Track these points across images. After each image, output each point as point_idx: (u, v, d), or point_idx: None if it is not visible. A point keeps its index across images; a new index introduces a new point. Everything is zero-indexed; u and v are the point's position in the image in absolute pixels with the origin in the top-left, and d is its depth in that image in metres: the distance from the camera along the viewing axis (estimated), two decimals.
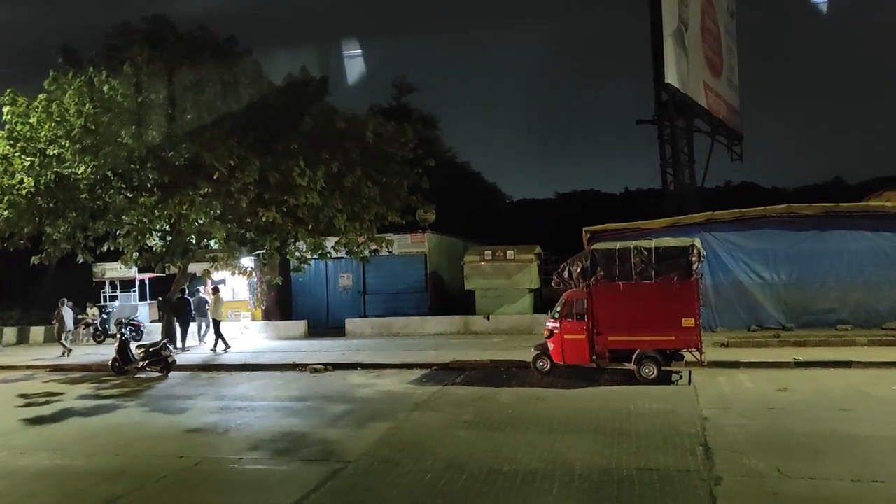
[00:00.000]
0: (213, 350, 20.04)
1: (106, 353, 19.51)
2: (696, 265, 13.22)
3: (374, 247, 20.45)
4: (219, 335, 20.25)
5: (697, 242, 13.67)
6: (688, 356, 13.59)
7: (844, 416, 10.27)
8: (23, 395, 14.86)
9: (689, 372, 13.75)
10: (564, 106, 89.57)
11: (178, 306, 21.20)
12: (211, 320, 20.75)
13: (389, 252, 21.99)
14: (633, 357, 13.36)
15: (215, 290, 20.67)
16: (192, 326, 21.88)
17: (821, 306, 18.79)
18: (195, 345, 21.83)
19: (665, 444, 9.12)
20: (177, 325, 21.22)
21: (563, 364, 14.11)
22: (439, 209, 24.24)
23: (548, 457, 8.77)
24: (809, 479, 7.69)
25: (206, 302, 21.58)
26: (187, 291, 22.24)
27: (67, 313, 21.55)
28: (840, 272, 18.76)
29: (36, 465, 9.47)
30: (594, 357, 13.78)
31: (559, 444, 9.36)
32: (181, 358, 18.37)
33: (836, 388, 12.23)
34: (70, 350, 21.05)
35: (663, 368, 13.35)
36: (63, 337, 21.23)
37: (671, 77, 28.57)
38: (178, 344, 20.90)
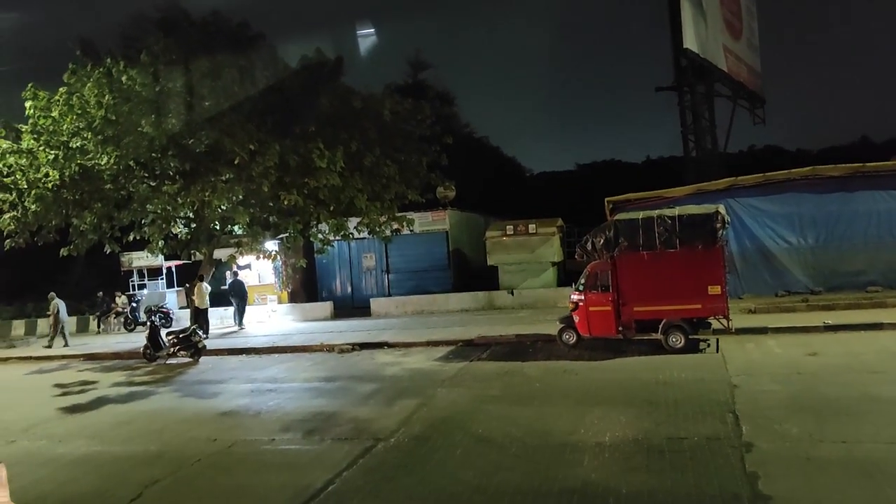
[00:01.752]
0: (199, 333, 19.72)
1: (137, 340, 19.85)
2: (720, 232, 13.09)
3: (395, 226, 20.48)
4: (201, 321, 20.46)
5: (721, 209, 13.53)
6: (715, 324, 13.53)
7: (876, 379, 10.17)
8: (59, 385, 15.18)
9: (717, 340, 13.68)
10: (583, 76, 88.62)
11: (234, 288, 22.44)
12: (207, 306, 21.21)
13: (411, 230, 22.03)
14: (660, 327, 13.30)
15: (201, 278, 20.86)
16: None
17: (849, 269, 18.53)
18: (235, 329, 22.37)
19: (695, 413, 9.11)
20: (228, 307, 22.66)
21: (589, 336, 14.10)
22: (459, 185, 24.20)
23: (577, 429, 8.79)
24: (842, 442, 7.64)
25: (242, 284, 22.77)
26: (239, 274, 23.03)
27: (61, 305, 21.88)
28: (868, 233, 18.46)
29: (75, 451, 9.69)
30: (620, 328, 13.74)
31: (588, 416, 9.38)
32: (215, 343, 18.59)
33: (868, 351, 12.10)
34: (66, 343, 21.48)
35: (690, 337, 13.29)
36: (59, 329, 21.61)
37: (689, 42, 28.08)
38: (238, 324, 22.35)
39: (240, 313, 22.67)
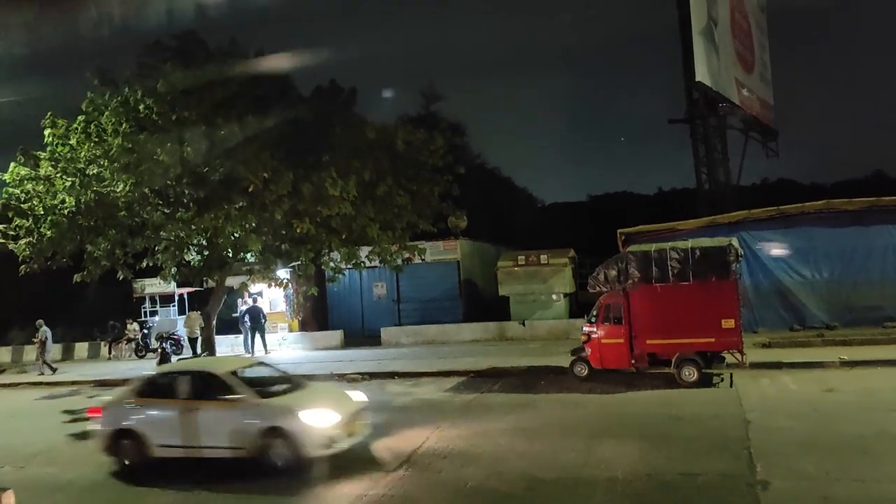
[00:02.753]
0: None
1: (147, 367, 19.83)
2: (733, 265, 13.02)
3: (406, 255, 20.48)
4: (192, 349, 20.82)
5: (734, 242, 13.48)
6: (729, 358, 13.39)
7: (894, 417, 10.00)
8: (69, 411, 15.11)
9: (731, 374, 13.52)
10: (595, 108, 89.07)
11: (252, 315, 22.74)
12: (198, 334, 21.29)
13: (422, 260, 22.00)
14: (673, 360, 13.17)
15: (192, 308, 21.03)
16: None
17: (865, 304, 18.33)
18: (252, 354, 22.55)
19: (709, 449, 8.98)
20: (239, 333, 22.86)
21: (602, 369, 13.98)
22: (471, 215, 24.22)
23: (589, 463, 8.68)
24: (860, 481, 7.51)
25: (260, 311, 23.05)
26: (257, 300, 23.29)
27: (48, 333, 22.01)
28: (885, 268, 18.29)
29: (83, 479, 9.65)
30: (633, 361, 13.62)
31: (600, 450, 9.26)
32: None
33: (885, 388, 11.93)
34: (54, 370, 21.54)
35: (704, 371, 13.15)
36: (45, 357, 21.67)
37: (702, 75, 28.18)
38: (259, 350, 22.58)
39: (262, 339, 22.89)
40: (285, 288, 21.65)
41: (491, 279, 24.21)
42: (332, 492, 8.43)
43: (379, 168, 18.48)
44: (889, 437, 8.99)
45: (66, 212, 17.44)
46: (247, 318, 22.82)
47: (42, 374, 21.31)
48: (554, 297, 22.56)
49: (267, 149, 17.25)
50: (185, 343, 23.64)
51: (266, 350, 22.83)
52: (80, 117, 17.61)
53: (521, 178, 63.92)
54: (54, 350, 24.93)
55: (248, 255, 19.37)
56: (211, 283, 21.06)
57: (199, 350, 20.76)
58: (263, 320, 23.10)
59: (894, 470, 7.76)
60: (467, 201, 21.34)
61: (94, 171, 17.22)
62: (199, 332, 21.12)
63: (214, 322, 21.02)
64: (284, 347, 23.85)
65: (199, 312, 21.35)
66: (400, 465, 9.12)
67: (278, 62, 19.37)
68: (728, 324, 12.92)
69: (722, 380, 13.34)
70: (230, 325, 23.99)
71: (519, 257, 22.99)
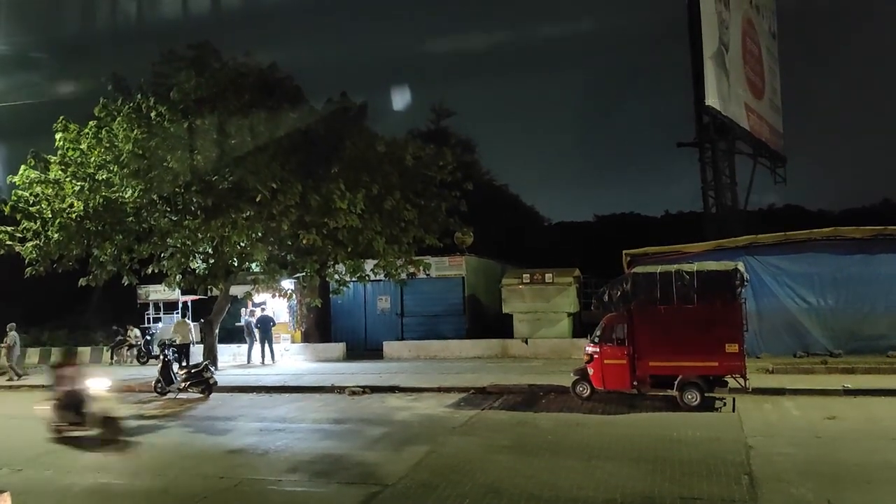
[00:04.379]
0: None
1: (149, 373, 19.84)
2: (739, 289, 12.99)
3: (412, 269, 20.52)
4: (182, 355, 20.73)
5: (741, 266, 13.44)
6: (732, 382, 13.31)
7: None
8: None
9: (734, 399, 13.44)
10: (604, 129, 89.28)
11: (263, 323, 23.02)
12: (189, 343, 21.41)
13: (427, 275, 22.05)
14: (676, 383, 13.10)
15: (183, 316, 21.13)
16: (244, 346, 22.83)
17: (870, 332, 18.23)
18: (251, 364, 22.63)
19: (709, 473, 8.92)
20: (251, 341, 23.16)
21: (604, 389, 13.93)
22: (477, 232, 24.26)
23: (588, 484, 8.63)
24: None
25: (271, 320, 23.32)
26: (266, 309, 23.57)
27: (17, 338, 21.94)
28: (890, 297, 18.19)
29: (82, 483, 9.63)
30: (635, 382, 13.56)
31: (599, 471, 9.21)
32: (227, 380, 18.55)
33: (888, 417, 11.85)
34: (21, 375, 21.41)
35: (706, 395, 13.07)
36: (14, 362, 21.59)
37: (711, 99, 28.27)
38: (268, 359, 22.86)
39: (270, 349, 23.04)
40: (289, 298, 21.73)
41: (495, 296, 24.20)
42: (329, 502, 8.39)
43: (387, 182, 18.57)
44: (891, 466, 8.93)
45: (74, 216, 17.55)
46: (257, 327, 22.96)
47: (11, 379, 21.24)
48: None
49: (277, 159, 17.36)
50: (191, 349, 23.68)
51: (273, 360, 22.86)
52: (91, 122, 17.76)
53: (529, 196, 63.86)
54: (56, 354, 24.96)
55: (254, 265, 19.45)
56: (215, 292, 21.14)
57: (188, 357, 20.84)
58: (269, 330, 23.28)
59: (894, 500, 7.69)
60: (474, 218, 21.39)
61: (104, 176, 17.36)
62: (191, 338, 21.18)
63: (217, 330, 21.06)
64: (286, 358, 23.84)
65: (185, 320, 21.62)
66: (398, 481, 9.08)
67: (291, 73, 19.54)
68: (732, 348, 12.86)
69: (724, 404, 13.27)
70: (233, 335, 24.00)
71: (524, 275, 22.98)
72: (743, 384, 13.10)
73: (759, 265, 18.92)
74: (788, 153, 37.94)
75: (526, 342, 22.18)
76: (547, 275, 22.73)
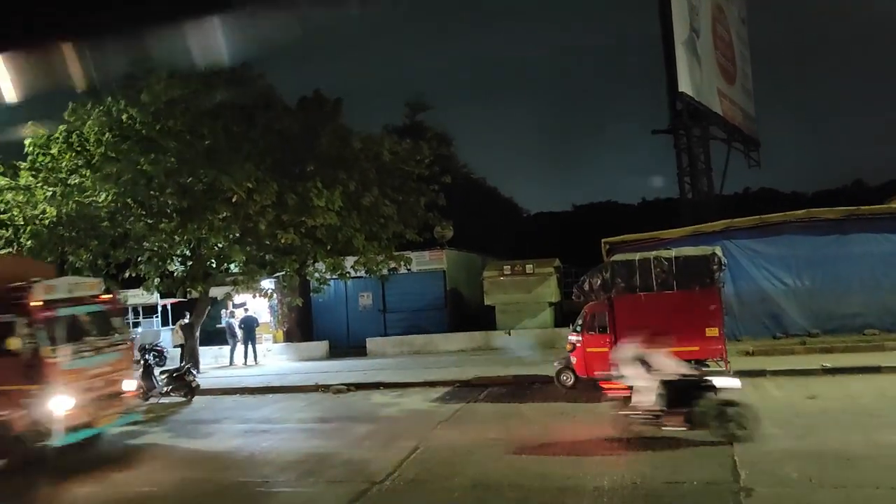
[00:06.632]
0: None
1: None
2: (717, 274, 13.12)
3: (392, 265, 20.47)
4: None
5: (718, 251, 13.57)
6: (713, 366, 13.45)
7: (875, 423, 10.10)
8: None
9: None
10: (579, 119, 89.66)
11: (247, 324, 22.79)
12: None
13: (408, 270, 21.98)
14: None
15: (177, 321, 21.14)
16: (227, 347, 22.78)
17: (846, 311, 18.50)
18: (244, 364, 22.63)
19: (694, 457, 9.02)
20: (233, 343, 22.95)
21: (587, 377, 14.01)
22: (456, 225, 24.23)
23: (575, 472, 8.68)
24: (842, 487, 7.57)
25: (255, 321, 23.12)
26: (248, 310, 23.30)
27: None
28: (864, 276, 18.48)
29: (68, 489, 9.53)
30: None
31: (585, 459, 9.28)
32: (209, 382, 18.40)
33: (866, 395, 12.04)
34: None
35: None
36: None
37: (685, 86, 28.46)
38: (251, 360, 22.69)
39: (253, 350, 22.90)
40: (270, 298, 21.57)
41: (477, 289, 24.22)
42: (316, 503, 8.36)
43: (364, 178, 18.47)
44: (870, 443, 9.07)
45: (46, 222, 17.26)
46: (240, 328, 22.75)
47: None
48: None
49: (252, 159, 17.19)
50: (168, 354, 23.47)
51: (256, 360, 22.71)
52: (61, 126, 17.47)
53: (507, 188, 63.97)
54: None
55: (233, 266, 19.27)
56: (195, 294, 20.93)
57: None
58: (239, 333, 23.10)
59: (876, 476, 7.82)
60: (453, 211, 21.37)
61: (76, 181, 17.07)
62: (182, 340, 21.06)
63: (198, 333, 20.88)
64: (269, 358, 23.69)
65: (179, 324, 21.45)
66: (386, 477, 9.07)
67: (263, 73, 19.34)
68: (712, 332, 13.01)
69: None
70: (213, 336, 23.81)
71: (504, 267, 23.03)
72: (724, 367, 13.24)
73: (737, 249, 19.11)
74: (761, 137, 38.39)
75: (509, 333, 22.23)
76: (527, 266, 22.80)
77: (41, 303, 10.92)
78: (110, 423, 11.82)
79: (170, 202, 17.57)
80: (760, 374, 14.37)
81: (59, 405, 10.62)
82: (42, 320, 10.79)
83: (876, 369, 13.94)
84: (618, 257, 14.24)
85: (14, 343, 10.69)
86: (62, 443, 10.61)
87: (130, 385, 12.44)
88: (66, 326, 11.17)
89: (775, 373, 14.38)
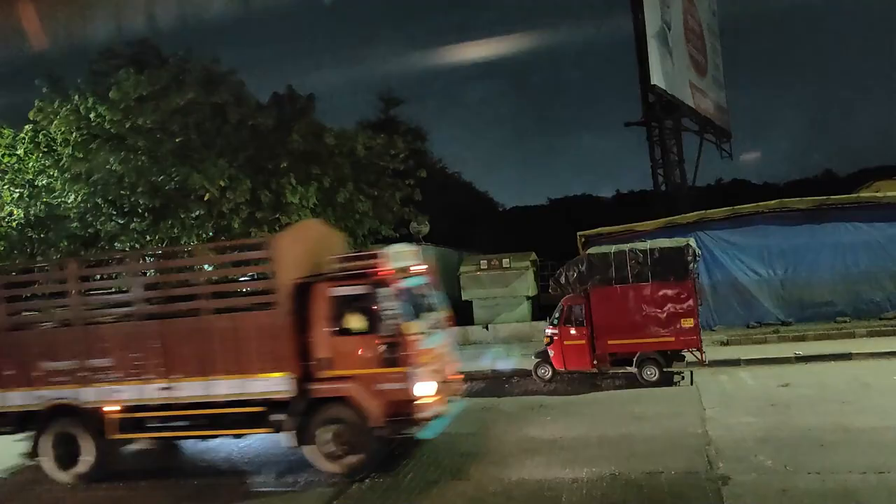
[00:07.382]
0: None
1: None
2: (691, 265, 13.23)
3: None
4: None
5: (692, 242, 13.69)
6: (689, 356, 13.58)
7: (848, 409, 10.25)
8: None
9: (691, 372, 13.71)
10: (553, 113, 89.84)
11: None
12: None
13: None
14: (634, 360, 13.32)
15: None
16: None
17: (818, 300, 18.76)
18: None
19: (671, 447, 9.08)
20: None
21: (565, 370, 14.06)
22: (433, 220, 24.16)
23: (554, 465, 8.71)
24: (817, 473, 7.67)
25: None
26: None
27: None
28: (835, 265, 18.74)
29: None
30: (595, 362, 13.72)
31: (564, 451, 9.30)
32: None
33: (839, 381, 12.21)
34: None
35: (665, 370, 13.31)
36: None
37: (657, 78, 28.62)
38: None
39: None
40: None
41: (453, 284, 24.18)
42: (298, 501, 8.30)
43: (339, 174, 18.33)
44: (843, 429, 9.20)
45: (14, 224, 16.93)
46: None
47: None
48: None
49: (224, 156, 17.00)
50: None
51: None
52: (27, 126, 17.13)
53: (482, 182, 63.99)
54: None
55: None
56: None
57: None
58: None
59: (849, 461, 7.94)
60: (429, 206, 21.28)
61: (44, 182, 16.76)
62: None
63: None
64: None
65: None
66: (367, 473, 9.02)
67: (235, 69, 19.11)
68: (687, 323, 13.12)
69: (682, 378, 13.52)
70: None
71: (481, 261, 23.02)
72: (700, 357, 13.37)
73: (710, 240, 19.28)
74: (733, 128, 38.80)
75: (486, 328, 22.25)
76: (504, 260, 22.81)
77: (395, 273, 9.52)
78: (448, 412, 10.00)
79: (141, 201, 17.32)
80: (735, 363, 14.53)
81: (423, 390, 9.14)
82: (401, 293, 9.36)
83: (847, 356, 14.15)
84: (593, 250, 14.30)
85: (363, 321, 9.20)
86: (430, 435, 9.30)
87: (456, 367, 10.95)
88: (412, 301, 9.81)
89: (749, 361, 14.54)
